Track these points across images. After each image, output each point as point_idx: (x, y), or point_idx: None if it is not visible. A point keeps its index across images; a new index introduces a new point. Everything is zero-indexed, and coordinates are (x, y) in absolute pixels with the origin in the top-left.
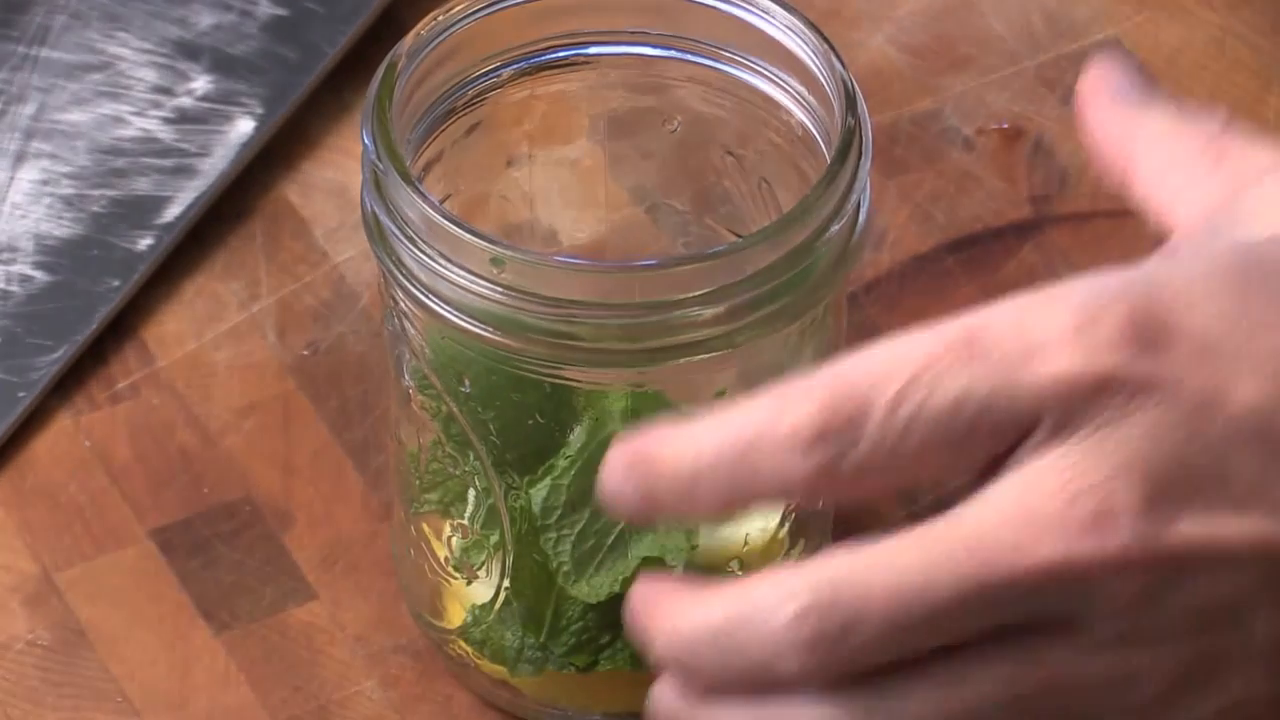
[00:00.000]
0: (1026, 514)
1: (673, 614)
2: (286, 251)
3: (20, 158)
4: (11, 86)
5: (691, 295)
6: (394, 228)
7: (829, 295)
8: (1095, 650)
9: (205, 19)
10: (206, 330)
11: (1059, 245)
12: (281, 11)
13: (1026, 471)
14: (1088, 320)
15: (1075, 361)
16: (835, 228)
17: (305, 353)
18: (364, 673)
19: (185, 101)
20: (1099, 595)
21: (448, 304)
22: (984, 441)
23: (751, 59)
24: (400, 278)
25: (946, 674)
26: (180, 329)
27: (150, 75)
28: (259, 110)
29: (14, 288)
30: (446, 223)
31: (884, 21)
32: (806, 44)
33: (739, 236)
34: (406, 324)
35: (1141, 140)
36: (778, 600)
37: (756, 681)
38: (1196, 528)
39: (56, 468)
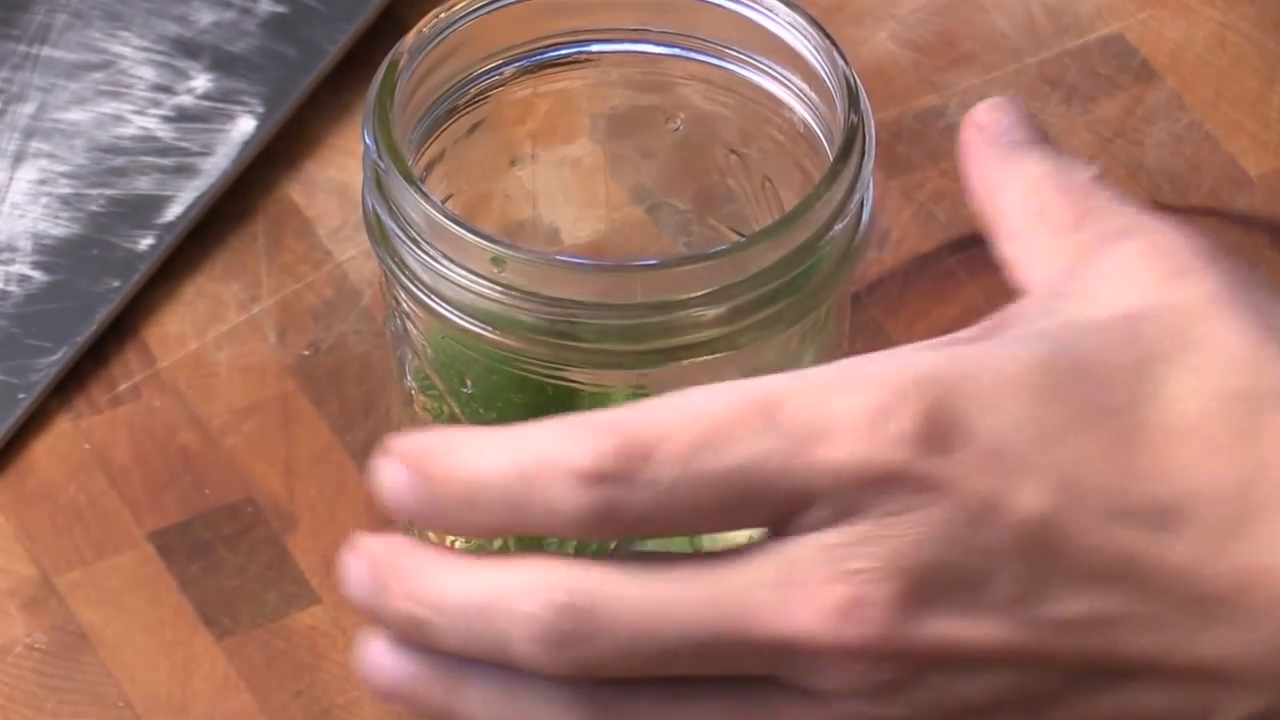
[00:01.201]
0: (786, 584)
1: (425, 576)
2: (289, 251)
3: (19, 157)
4: (12, 85)
5: (693, 295)
6: (396, 228)
7: (832, 295)
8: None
9: (205, 17)
10: (208, 330)
11: None
12: (281, 9)
13: (798, 544)
14: (882, 412)
15: (862, 452)
16: (838, 227)
17: (306, 353)
18: None
19: (186, 100)
20: (838, 675)
21: (450, 304)
22: (760, 510)
23: (754, 56)
24: (402, 278)
25: (679, 700)
26: (181, 329)
27: (150, 74)
28: (260, 109)
29: (12, 288)
30: (448, 222)
31: (886, 18)
32: (809, 41)
33: (741, 236)
34: (408, 324)
35: (1012, 189)
36: (533, 588)
37: (492, 657)
38: (947, 629)
39: (56, 470)
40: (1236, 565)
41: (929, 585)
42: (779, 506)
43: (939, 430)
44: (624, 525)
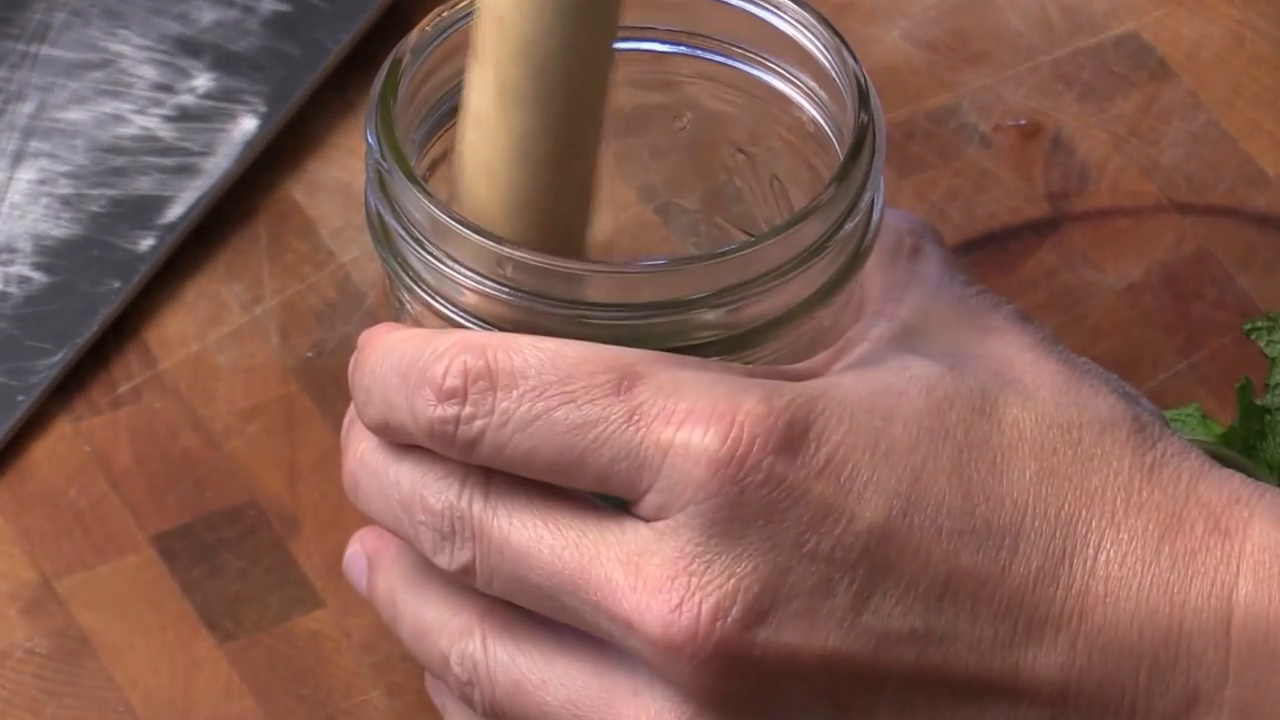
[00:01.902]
0: (634, 565)
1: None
2: (291, 252)
3: (19, 157)
4: (11, 84)
5: (701, 296)
6: (399, 228)
7: (841, 295)
8: (658, 703)
9: (207, 15)
10: (209, 332)
11: (1077, 244)
12: (284, 8)
13: (649, 529)
14: (730, 409)
15: (709, 440)
16: (848, 226)
17: (310, 354)
18: (370, 681)
19: (187, 99)
20: (668, 667)
21: (454, 305)
22: (590, 473)
23: (762, 54)
24: (406, 279)
25: (554, 633)
26: (182, 331)
27: (151, 73)
28: (262, 108)
29: (12, 289)
30: (453, 223)
31: (899, 16)
32: (818, 39)
33: (750, 235)
34: (411, 325)
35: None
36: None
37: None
38: (781, 638)
39: (56, 473)
40: (1071, 590)
41: (767, 594)
42: (611, 475)
43: (786, 435)
44: (464, 446)
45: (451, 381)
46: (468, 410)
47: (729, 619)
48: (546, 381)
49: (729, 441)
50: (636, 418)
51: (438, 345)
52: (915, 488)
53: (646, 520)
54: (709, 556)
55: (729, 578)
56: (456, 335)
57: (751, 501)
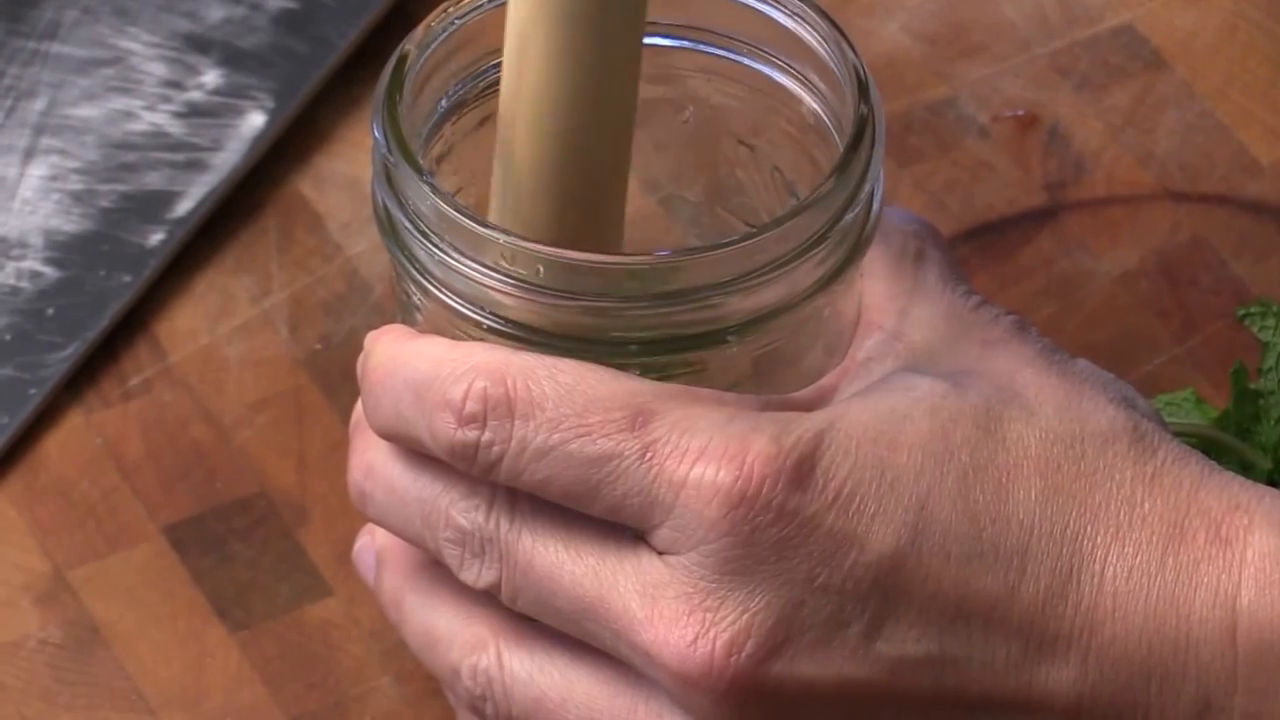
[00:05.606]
0: (649, 598)
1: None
2: (299, 245)
3: (30, 153)
4: (22, 82)
5: (704, 286)
6: (406, 221)
7: (842, 285)
8: None
9: (215, 13)
10: (219, 325)
11: (1074, 232)
12: (291, 4)
13: (664, 563)
14: (741, 445)
15: (720, 480)
16: (849, 217)
17: (318, 347)
18: (379, 668)
19: (196, 95)
20: (683, 695)
21: (460, 297)
22: (604, 504)
23: (763, 48)
24: (412, 271)
25: (575, 649)
26: (192, 324)
27: (160, 69)
28: (270, 104)
29: (24, 284)
30: (459, 216)
31: (898, 9)
32: (818, 32)
33: (752, 227)
34: (419, 317)
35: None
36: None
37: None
38: (796, 669)
39: (68, 465)
40: (1080, 606)
41: (780, 628)
42: (624, 508)
43: (795, 474)
44: (484, 468)
45: (471, 407)
46: (486, 437)
47: (743, 654)
48: (563, 414)
49: (740, 481)
50: (650, 455)
51: (455, 366)
52: (922, 516)
53: (659, 552)
54: (722, 593)
55: (742, 613)
56: (473, 356)
57: (762, 540)
